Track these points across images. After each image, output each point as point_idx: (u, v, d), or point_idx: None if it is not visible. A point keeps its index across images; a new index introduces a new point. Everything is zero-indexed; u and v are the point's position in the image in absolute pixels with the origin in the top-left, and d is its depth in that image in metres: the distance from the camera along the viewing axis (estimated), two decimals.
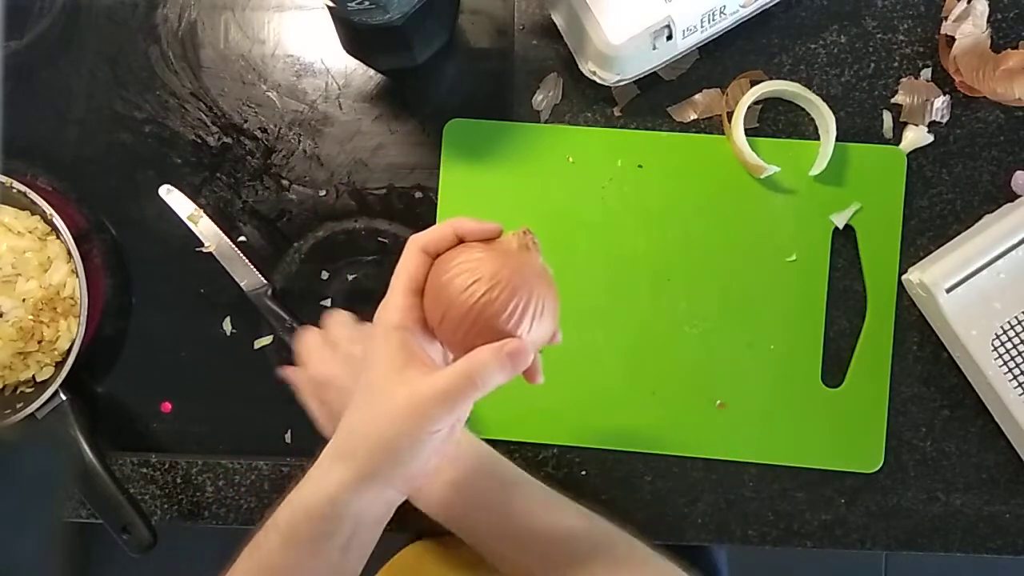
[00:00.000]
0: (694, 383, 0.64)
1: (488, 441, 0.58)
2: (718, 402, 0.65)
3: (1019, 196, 0.65)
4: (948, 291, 0.61)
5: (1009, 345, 0.61)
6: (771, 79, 0.65)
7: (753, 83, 0.65)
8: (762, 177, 0.64)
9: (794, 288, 0.65)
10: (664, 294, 0.65)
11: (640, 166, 0.65)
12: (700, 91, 0.66)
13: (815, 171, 0.64)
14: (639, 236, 0.65)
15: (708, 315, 0.65)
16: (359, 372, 0.45)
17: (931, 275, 0.61)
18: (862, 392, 0.64)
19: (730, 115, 0.64)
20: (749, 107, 0.64)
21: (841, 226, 0.64)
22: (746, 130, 0.64)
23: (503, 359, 0.41)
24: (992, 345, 0.61)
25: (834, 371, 0.65)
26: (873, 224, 0.65)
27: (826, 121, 0.63)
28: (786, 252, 0.65)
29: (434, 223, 0.66)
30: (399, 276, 0.45)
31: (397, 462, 0.43)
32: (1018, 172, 0.65)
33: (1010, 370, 0.61)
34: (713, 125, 0.66)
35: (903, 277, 0.64)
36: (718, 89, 0.66)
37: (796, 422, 0.65)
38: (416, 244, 0.45)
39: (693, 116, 0.66)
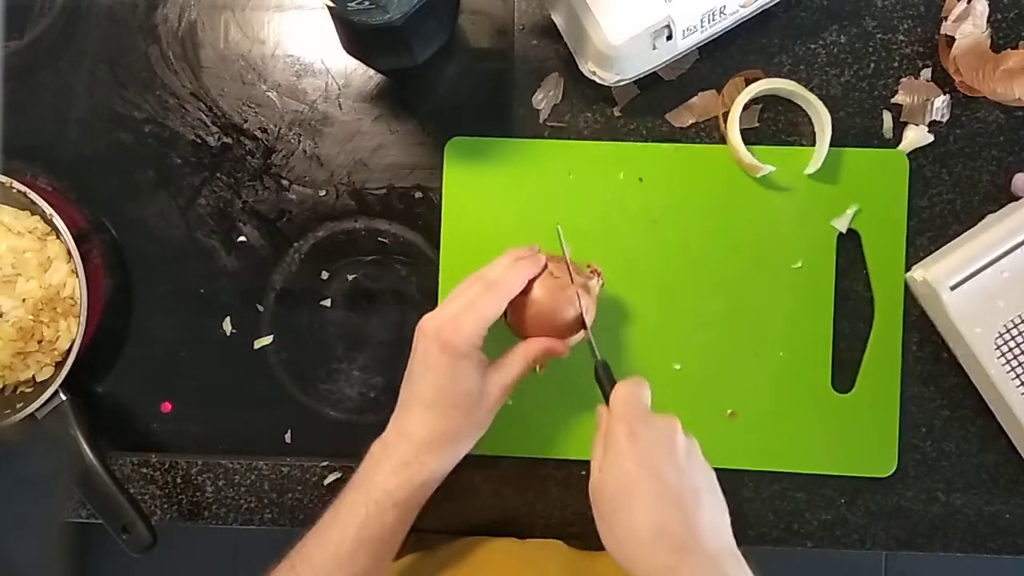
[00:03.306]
0: (704, 393, 0.64)
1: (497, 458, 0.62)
2: (729, 411, 0.65)
3: (1018, 198, 0.65)
4: (952, 289, 0.61)
5: (1012, 344, 0.61)
6: (768, 78, 0.64)
7: (749, 82, 0.65)
8: (758, 176, 0.64)
9: (801, 295, 0.65)
10: (671, 305, 0.65)
11: (641, 179, 0.65)
12: (698, 93, 0.66)
13: (811, 169, 0.64)
14: (643, 249, 0.65)
15: (715, 325, 0.65)
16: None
17: (935, 273, 0.61)
18: (873, 396, 0.64)
19: (726, 115, 0.64)
20: (750, 106, 0.65)
21: (844, 230, 0.64)
22: (745, 131, 0.64)
23: (549, 349, 0.57)
24: (995, 344, 0.61)
25: (844, 376, 0.65)
26: (877, 228, 0.64)
27: (821, 118, 0.63)
28: (791, 259, 0.65)
29: (436, 225, 0.66)
30: (485, 316, 0.54)
31: (476, 435, 0.57)
32: (1018, 175, 0.65)
33: (1013, 368, 0.61)
34: (712, 133, 0.66)
35: (907, 275, 0.64)
36: (714, 91, 0.66)
37: (808, 429, 0.64)
38: (507, 294, 0.55)
39: (691, 120, 0.66)
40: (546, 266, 0.57)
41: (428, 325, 0.55)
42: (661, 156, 0.65)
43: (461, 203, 0.66)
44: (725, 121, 0.64)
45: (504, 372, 0.56)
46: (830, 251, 0.65)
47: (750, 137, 0.65)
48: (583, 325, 0.57)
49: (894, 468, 0.64)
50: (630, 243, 0.65)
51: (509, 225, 0.65)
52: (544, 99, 0.66)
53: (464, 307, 0.54)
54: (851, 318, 0.65)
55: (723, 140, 0.65)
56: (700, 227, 0.65)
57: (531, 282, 0.56)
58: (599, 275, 0.59)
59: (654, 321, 0.65)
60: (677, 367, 0.65)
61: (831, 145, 0.64)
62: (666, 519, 0.49)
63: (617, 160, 0.65)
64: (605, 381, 0.56)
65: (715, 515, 0.51)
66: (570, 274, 0.57)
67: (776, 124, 0.66)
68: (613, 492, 0.51)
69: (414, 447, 0.54)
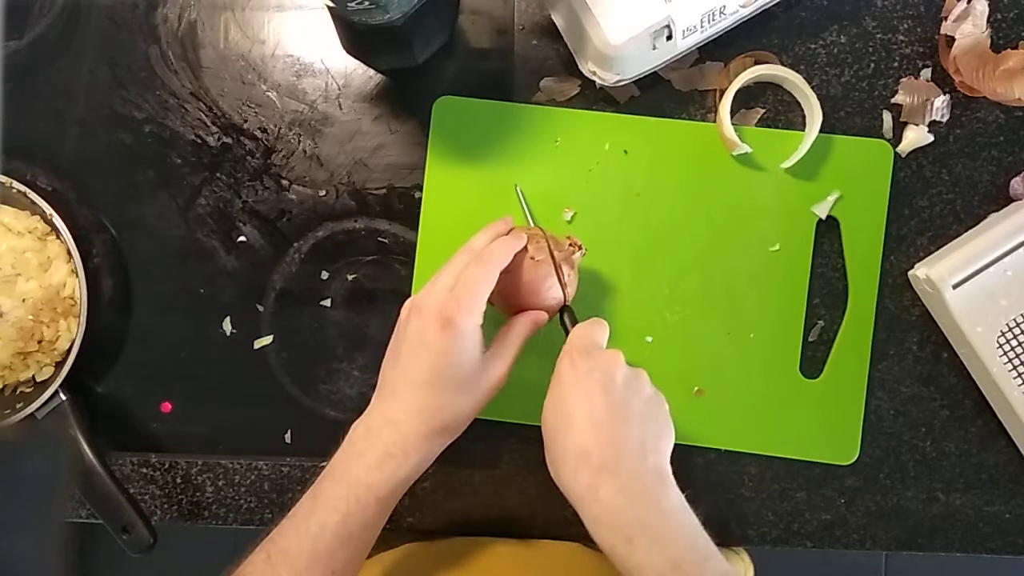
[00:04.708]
0: (672, 369, 0.64)
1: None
2: (696, 389, 0.65)
3: (1016, 200, 0.65)
4: (955, 287, 0.61)
5: (1015, 343, 0.61)
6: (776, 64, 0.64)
7: (757, 63, 0.64)
8: (736, 154, 0.64)
9: (776, 278, 0.65)
10: (646, 279, 0.65)
11: (626, 151, 0.65)
12: (704, 63, 0.65)
13: (794, 159, 0.63)
14: (623, 220, 0.65)
15: (689, 302, 0.65)
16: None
17: (938, 271, 0.61)
18: (840, 385, 0.65)
19: (723, 93, 0.64)
20: (753, 107, 0.64)
21: (823, 216, 0.64)
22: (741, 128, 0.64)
23: (536, 322, 0.58)
24: (997, 343, 0.61)
25: (813, 362, 0.65)
26: (857, 217, 0.65)
27: (813, 112, 0.63)
28: (769, 242, 0.65)
29: None
30: (482, 290, 0.54)
31: (468, 421, 0.56)
32: (1015, 180, 0.65)
33: (1015, 367, 0.61)
34: (707, 116, 0.66)
35: (909, 273, 0.64)
36: (721, 63, 0.66)
37: (773, 412, 0.65)
38: (498, 265, 0.55)
39: (693, 86, 0.65)
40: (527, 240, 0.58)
41: (425, 304, 0.54)
42: (648, 129, 0.65)
43: (444, 163, 0.66)
44: (721, 98, 0.64)
45: (503, 358, 0.56)
46: (808, 237, 0.65)
47: (743, 126, 0.65)
48: (565, 297, 0.59)
49: (856, 457, 0.65)
50: (611, 214, 0.65)
51: (491, 188, 0.65)
52: (550, 87, 0.66)
53: (459, 283, 0.54)
54: (825, 305, 0.65)
55: (713, 119, 0.65)
56: (681, 203, 0.65)
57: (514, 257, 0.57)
58: (580, 248, 0.60)
59: (629, 293, 0.65)
60: (649, 340, 0.65)
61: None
62: (590, 444, 0.51)
63: (604, 130, 0.65)
64: (569, 323, 0.58)
65: (645, 439, 0.52)
66: (551, 250, 0.58)
67: (776, 124, 0.66)
68: (552, 419, 0.53)
69: (401, 435, 0.53)
